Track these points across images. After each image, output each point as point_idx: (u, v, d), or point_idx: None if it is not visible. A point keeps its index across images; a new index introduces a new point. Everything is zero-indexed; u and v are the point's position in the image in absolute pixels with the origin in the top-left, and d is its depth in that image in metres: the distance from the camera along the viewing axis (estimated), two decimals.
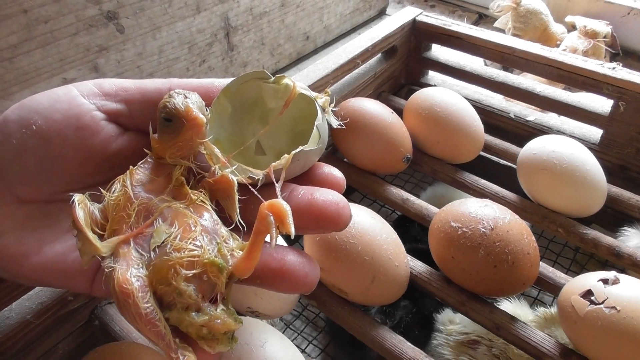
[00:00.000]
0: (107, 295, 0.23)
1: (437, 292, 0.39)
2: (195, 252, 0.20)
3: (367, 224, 0.37)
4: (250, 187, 0.23)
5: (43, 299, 0.34)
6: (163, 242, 0.21)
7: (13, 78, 0.49)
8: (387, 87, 0.59)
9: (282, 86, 0.26)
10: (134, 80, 0.26)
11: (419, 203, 0.45)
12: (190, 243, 0.20)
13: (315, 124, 0.24)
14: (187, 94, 0.23)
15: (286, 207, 0.20)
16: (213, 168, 0.23)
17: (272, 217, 0.20)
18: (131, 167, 0.23)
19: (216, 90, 0.26)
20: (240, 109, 0.27)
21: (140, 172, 0.23)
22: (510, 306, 0.42)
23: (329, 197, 0.23)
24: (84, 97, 0.24)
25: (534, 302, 0.51)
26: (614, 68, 0.48)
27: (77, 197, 0.21)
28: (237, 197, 0.23)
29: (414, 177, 0.64)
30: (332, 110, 0.26)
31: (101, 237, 0.21)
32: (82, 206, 0.21)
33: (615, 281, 0.33)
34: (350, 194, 0.61)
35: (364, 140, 0.46)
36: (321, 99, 0.25)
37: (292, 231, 0.20)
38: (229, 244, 0.21)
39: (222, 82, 0.26)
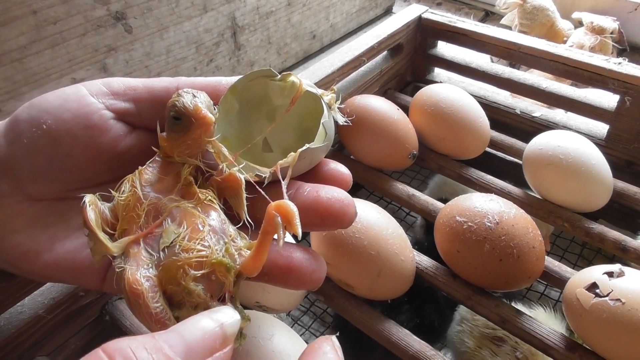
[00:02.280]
0: (117, 291, 0.23)
1: (443, 287, 0.39)
2: (204, 253, 0.21)
3: (373, 219, 0.37)
4: (256, 186, 0.23)
5: (55, 294, 0.34)
6: (172, 242, 0.21)
7: (23, 79, 0.50)
8: (393, 84, 0.59)
9: (289, 84, 0.27)
10: (142, 79, 0.26)
11: (424, 199, 0.46)
12: (198, 243, 0.21)
13: (322, 121, 0.24)
14: (195, 93, 0.23)
15: (293, 208, 0.21)
16: (221, 166, 0.23)
17: (279, 218, 0.20)
18: (140, 167, 0.24)
19: (223, 88, 0.26)
20: (247, 106, 0.27)
21: (148, 172, 0.23)
22: (542, 315, 0.42)
23: (334, 195, 0.23)
24: (93, 96, 0.25)
25: (540, 297, 0.51)
26: (619, 63, 0.48)
27: (87, 198, 0.22)
28: (244, 195, 0.23)
29: (420, 174, 0.64)
30: (338, 107, 0.26)
31: (112, 236, 0.22)
32: (93, 207, 0.22)
33: (620, 274, 0.33)
34: (357, 190, 0.61)
35: (370, 137, 0.46)
36: (327, 96, 0.26)
37: (299, 232, 0.20)
38: (237, 243, 0.22)
39: (229, 80, 0.27)
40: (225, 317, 0.18)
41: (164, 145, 0.24)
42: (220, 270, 0.21)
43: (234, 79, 0.26)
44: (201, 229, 0.21)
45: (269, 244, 0.21)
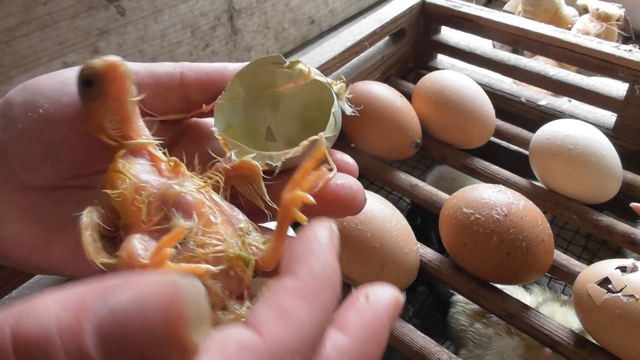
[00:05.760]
0: None
1: (447, 280, 0.38)
2: (220, 247, 0.19)
3: (377, 210, 0.36)
4: (264, 179, 0.22)
5: (44, 287, 0.33)
6: (184, 238, 0.19)
7: (11, 62, 0.48)
8: (395, 70, 0.57)
9: (296, 71, 0.25)
10: (144, 64, 0.24)
11: (428, 189, 0.44)
12: (213, 237, 0.19)
13: (332, 111, 0.23)
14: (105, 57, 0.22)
15: (308, 196, 0.19)
16: (228, 154, 0.22)
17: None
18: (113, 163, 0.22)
19: (230, 74, 0.25)
20: (252, 93, 0.26)
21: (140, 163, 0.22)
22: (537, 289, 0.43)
23: (343, 181, 0.22)
24: None
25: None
26: (630, 50, 0.47)
27: (83, 223, 0.20)
28: (262, 183, 0.22)
29: (422, 163, 0.63)
30: (346, 97, 0.25)
31: (114, 238, 0.20)
32: (90, 232, 0.20)
33: (634, 269, 0.32)
34: (358, 180, 0.59)
35: (372, 125, 0.45)
36: (337, 85, 0.25)
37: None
38: (252, 235, 0.20)
39: (236, 66, 0.25)
40: None
41: (89, 123, 0.22)
42: (239, 265, 0.19)
43: (240, 65, 0.25)
44: (214, 220, 0.20)
45: (286, 232, 0.19)
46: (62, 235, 0.22)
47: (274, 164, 0.22)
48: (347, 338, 0.16)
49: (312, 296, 0.14)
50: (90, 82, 0.21)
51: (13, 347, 0.10)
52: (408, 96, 0.50)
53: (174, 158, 0.22)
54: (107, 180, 0.21)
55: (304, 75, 0.25)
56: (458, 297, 0.43)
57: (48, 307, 0.11)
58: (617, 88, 0.49)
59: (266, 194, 0.22)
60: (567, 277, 0.38)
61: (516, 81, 0.58)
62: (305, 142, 0.22)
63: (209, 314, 0.12)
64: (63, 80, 0.23)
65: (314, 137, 0.22)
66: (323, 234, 0.17)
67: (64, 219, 0.23)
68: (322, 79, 0.25)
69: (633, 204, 0.40)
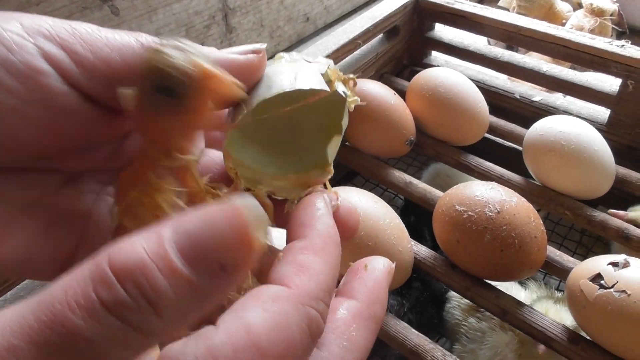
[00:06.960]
0: None
1: (441, 277, 0.38)
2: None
3: (370, 209, 0.36)
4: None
5: (38, 288, 0.33)
6: None
7: None
8: (389, 68, 0.57)
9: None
10: (119, 48, 0.19)
11: (422, 187, 0.44)
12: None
13: (343, 128, 0.22)
14: (181, 43, 0.16)
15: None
16: (239, 193, 0.20)
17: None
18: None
19: (256, 64, 0.20)
20: (265, 110, 0.24)
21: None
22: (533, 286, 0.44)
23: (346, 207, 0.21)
24: (50, 63, 0.17)
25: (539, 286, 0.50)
26: (622, 46, 0.47)
27: None
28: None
29: (417, 161, 0.63)
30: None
31: None
32: None
33: (626, 264, 0.32)
34: (353, 178, 0.60)
35: (366, 123, 0.45)
36: (352, 98, 0.22)
37: None
38: None
39: (258, 55, 0.20)
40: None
41: (154, 139, 0.17)
42: None
43: (260, 48, 0.20)
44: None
45: None
46: (7, 226, 0.19)
47: (279, 198, 0.21)
48: (356, 302, 0.18)
49: (322, 251, 0.17)
50: (171, 90, 0.15)
51: (114, 273, 0.12)
52: (402, 93, 0.50)
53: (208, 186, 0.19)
54: (132, 208, 0.18)
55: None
56: (453, 292, 0.43)
57: (134, 243, 0.13)
58: (610, 83, 0.49)
59: (271, 235, 0.20)
60: (561, 273, 0.38)
61: (510, 77, 0.58)
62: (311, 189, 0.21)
63: (266, 216, 0.13)
64: (4, 57, 0.17)
65: (328, 191, 0.21)
66: (320, 203, 0.19)
67: (5, 208, 0.19)
68: (340, 88, 0.21)
69: (611, 211, 0.41)
